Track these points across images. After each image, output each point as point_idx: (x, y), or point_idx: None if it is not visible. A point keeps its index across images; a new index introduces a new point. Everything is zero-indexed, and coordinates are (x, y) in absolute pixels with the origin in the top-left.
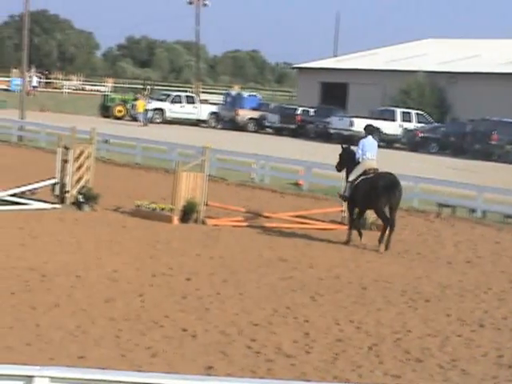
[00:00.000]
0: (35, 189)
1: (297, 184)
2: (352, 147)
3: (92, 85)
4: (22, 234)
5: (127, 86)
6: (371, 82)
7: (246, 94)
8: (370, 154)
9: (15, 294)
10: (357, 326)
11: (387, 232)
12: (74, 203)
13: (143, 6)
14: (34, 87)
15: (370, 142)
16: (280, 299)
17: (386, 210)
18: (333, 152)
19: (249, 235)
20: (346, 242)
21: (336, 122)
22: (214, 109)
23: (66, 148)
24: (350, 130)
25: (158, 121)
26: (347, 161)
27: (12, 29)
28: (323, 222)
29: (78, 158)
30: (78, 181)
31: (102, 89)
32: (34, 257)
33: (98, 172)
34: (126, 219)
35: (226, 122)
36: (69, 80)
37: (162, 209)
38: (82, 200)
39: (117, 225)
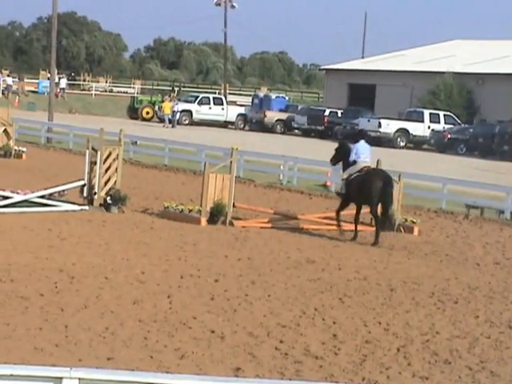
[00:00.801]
0: (63, 191)
1: (325, 185)
2: (350, 144)
3: (120, 87)
4: (50, 235)
5: (155, 87)
6: (399, 83)
7: (273, 95)
8: (364, 156)
9: (44, 295)
10: (385, 327)
11: (375, 228)
12: (102, 205)
13: (171, 7)
14: (62, 89)
15: (362, 146)
16: (308, 301)
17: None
18: None
19: (277, 237)
20: (354, 238)
21: (364, 124)
22: (242, 110)
23: (94, 150)
24: (378, 132)
25: (185, 122)
26: (343, 156)
27: (40, 31)
28: (351, 223)
29: (106, 159)
30: (106, 182)
31: (130, 91)
32: (62, 258)
33: (126, 174)
34: (154, 221)
35: (254, 123)
36: (97, 82)
37: (190, 210)
38: (110, 202)
39: (145, 226)
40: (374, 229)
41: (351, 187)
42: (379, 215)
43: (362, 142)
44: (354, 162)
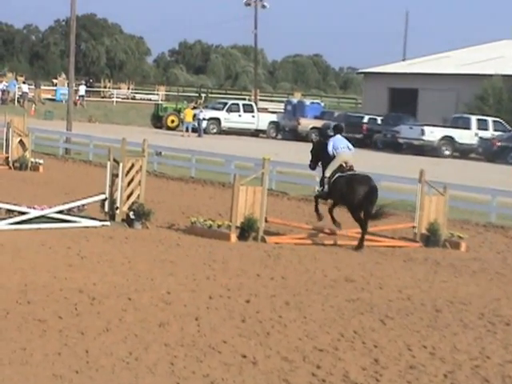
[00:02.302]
0: (83, 205)
1: None
2: (324, 141)
3: (143, 93)
4: (69, 253)
5: (180, 94)
6: (443, 87)
7: (308, 101)
8: (342, 147)
9: (63, 318)
10: (431, 351)
11: (361, 231)
12: (124, 220)
13: (197, 8)
14: (81, 97)
15: (339, 139)
16: (347, 323)
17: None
18: (404, 163)
19: (312, 254)
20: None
21: (406, 131)
22: (274, 118)
23: (116, 161)
24: (422, 140)
25: (213, 131)
26: (321, 155)
27: (58, 34)
28: (393, 238)
29: (128, 171)
30: (129, 196)
31: (154, 97)
32: (82, 278)
33: (150, 187)
34: (181, 237)
35: (287, 132)
36: (118, 88)
37: (219, 226)
38: (133, 217)
39: (170, 243)
40: (416, 244)
41: (334, 188)
42: (361, 217)
43: (339, 136)
44: (333, 157)
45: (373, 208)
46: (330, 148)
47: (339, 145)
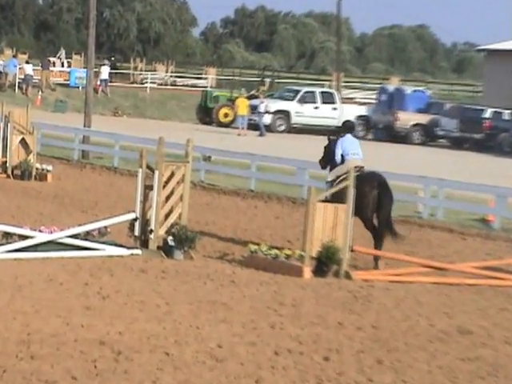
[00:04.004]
0: (106, 227)
1: (485, 220)
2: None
3: (186, 77)
4: (87, 291)
5: (236, 78)
6: None
7: (408, 89)
8: (352, 152)
9: (77, 379)
10: None
11: (374, 247)
12: (161, 248)
13: None
14: (103, 81)
15: (350, 141)
16: None
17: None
18: None
19: (414, 295)
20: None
21: None
22: (363, 111)
23: (150, 169)
24: None
25: (280, 129)
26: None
27: None
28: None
29: (167, 182)
30: (167, 216)
31: (201, 83)
32: (104, 325)
33: (196, 203)
34: (236, 271)
35: (380, 129)
36: (153, 71)
37: (288, 256)
38: (172, 243)
39: (222, 279)
40: None
41: (337, 193)
42: (376, 226)
43: (349, 136)
44: (342, 162)
45: (388, 212)
46: (337, 152)
47: (349, 149)
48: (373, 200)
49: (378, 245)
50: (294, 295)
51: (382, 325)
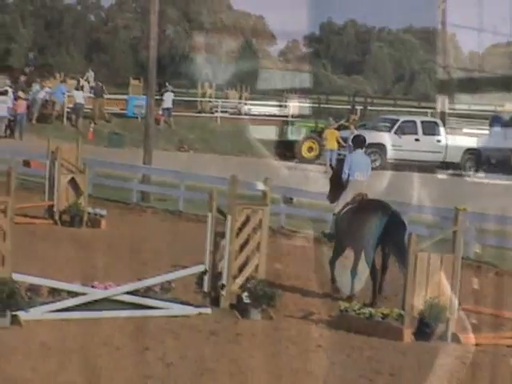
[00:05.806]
0: (169, 282)
1: None
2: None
3: (263, 105)
4: (148, 358)
5: (322, 105)
6: None
7: None
8: (359, 173)
9: None
10: None
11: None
12: (234, 306)
13: None
14: (166, 110)
15: (358, 158)
16: None
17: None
18: None
19: None
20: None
21: None
22: (473, 143)
23: (222, 213)
24: None
25: (375, 164)
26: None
27: (130, 12)
28: None
29: (241, 229)
30: (242, 268)
31: (280, 111)
32: None
33: (276, 252)
34: (323, 333)
35: (493, 165)
36: (225, 98)
37: (384, 316)
38: (248, 300)
39: (307, 343)
40: None
41: (340, 224)
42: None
43: (360, 152)
44: (347, 182)
45: (396, 244)
46: (345, 170)
47: (356, 168)
48: (375, 229)
49: (374, 284)
50: (392, 362)
51: None
